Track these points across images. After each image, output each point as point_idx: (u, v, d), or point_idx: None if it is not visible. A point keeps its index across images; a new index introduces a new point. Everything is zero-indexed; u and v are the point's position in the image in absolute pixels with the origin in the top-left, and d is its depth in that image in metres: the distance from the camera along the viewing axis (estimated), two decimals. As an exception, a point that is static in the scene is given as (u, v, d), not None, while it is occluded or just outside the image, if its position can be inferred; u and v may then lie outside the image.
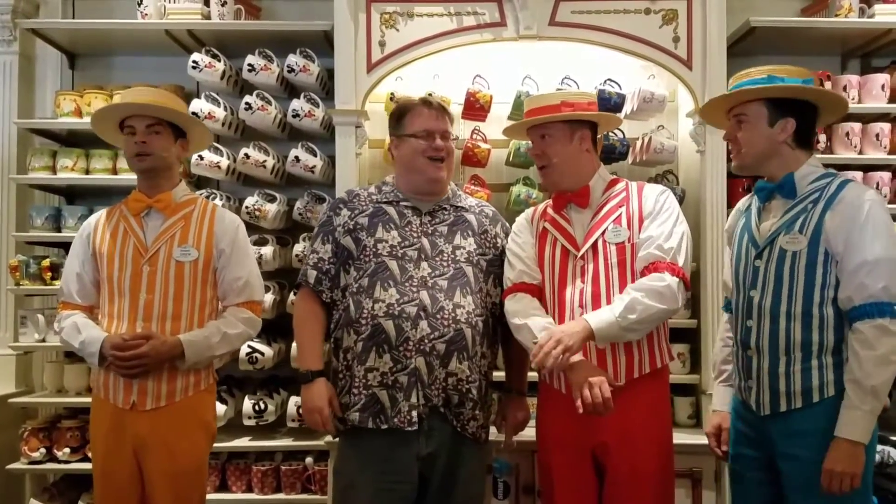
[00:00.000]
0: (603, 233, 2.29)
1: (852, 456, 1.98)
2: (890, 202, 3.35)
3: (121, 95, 2.56)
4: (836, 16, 3.38)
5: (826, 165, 3.22)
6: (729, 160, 3.23)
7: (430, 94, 3.00)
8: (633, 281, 2.25)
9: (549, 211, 2.42)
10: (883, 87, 3.35)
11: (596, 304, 2.23)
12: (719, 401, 2.41)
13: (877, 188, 3.30)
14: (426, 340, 2.24)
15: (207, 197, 3.23)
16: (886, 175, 3.33)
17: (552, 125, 2.34)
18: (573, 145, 2.34)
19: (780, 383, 2.11)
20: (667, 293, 2.17)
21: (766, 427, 2.17)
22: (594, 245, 2.28)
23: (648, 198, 2.32)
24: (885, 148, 3.34)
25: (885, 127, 3.33)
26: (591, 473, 2.28)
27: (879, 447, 3.14)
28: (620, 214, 2.31)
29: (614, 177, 2.43)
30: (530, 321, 2.24)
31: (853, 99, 3.34)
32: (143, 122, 2.44)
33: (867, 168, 3.35)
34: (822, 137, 3.33)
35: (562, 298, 2.30)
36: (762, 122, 2.17)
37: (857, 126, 3.33)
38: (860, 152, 3.34)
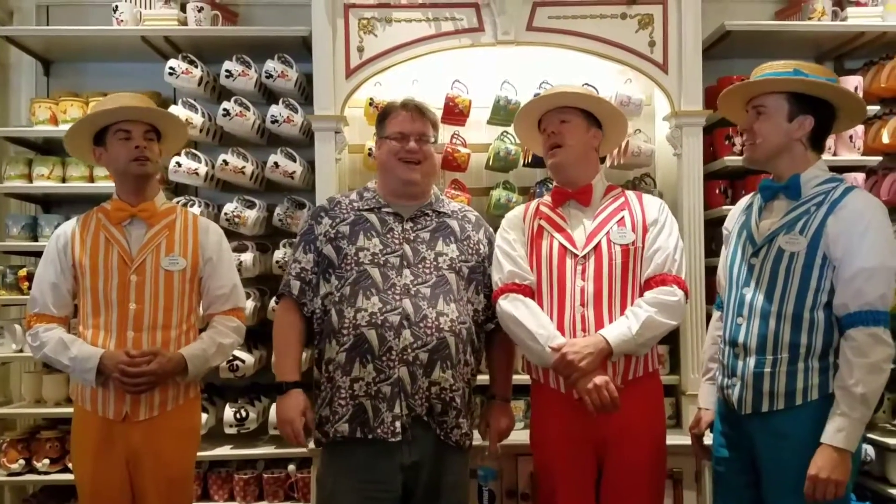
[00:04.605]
0: (607, 233, 2.33)
1: (839, 464, 1.96)
2: (864, 203, 3.40)
3: (105, 101, 2.51)
4: (810, 19, 3.42)
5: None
6: (708, 161, 3.30)
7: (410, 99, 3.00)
8: (633, 284, 2.31)
9: (544, 209, 2.44)
10: (856, 88, 3.38)
11: (597, 303, 2.28)
12: (705, 399, 2.43)
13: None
14: (409, 350, 2.23)
15: (185, 204, 3.22)
16: (860, 176, 3.37)
17: (572, 112, 2.38)
18: (588, 136, 2.39)
19: (765, 383, 2.11)
20: (677, 308, 2.26)
21: (746, 427, 2.18)
22: (597, 245, 2.32)
23: (651, 207, 2.38)
24: (858, 149, 3.38)
25: (859, 128, 3.37)
26: (593, 469, 2.33)
27: (856, 445, 3.18)
28: (623, 217, 2.35)
29: (611, 184, 2.49)
30: (527, 322, 2.27)
31: (826, 101, 3.38)
32: (142, 128, 2.43)
33: (841, 169, 3.38)
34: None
35: (561, 297, 2.32)
36: (781, 115, 2.15)
37: (831, 128, 3.36)
38: (834, 154, 3.38)
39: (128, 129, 2.41)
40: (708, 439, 2.42)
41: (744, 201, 2.39)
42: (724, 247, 2.40)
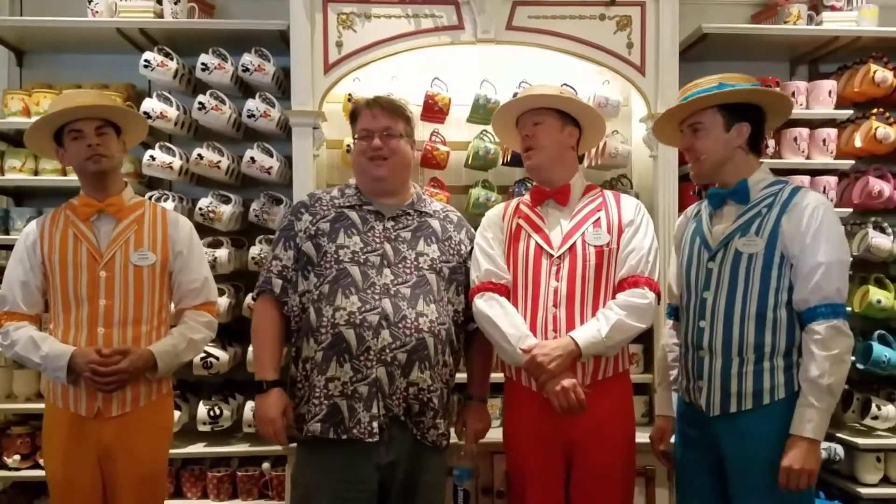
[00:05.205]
0: (583, 234, 2.34)
1: (810, 453, 2.03)
2: (836, 206, 3.45)
3: (55, 102, 2.48)
4: (786, 23, 3.46)
5: (775, 170, 3.31)
6: (683, 163, 3.32)
7: (387, 95, 2.99)
8: (607, 285, 2.32)
9: (523, 208, 2.45)
10: (830, 93, 3.43)
11: (570, 304, 2.29)
12: (664, 406, 2.48)
13: (823, 192, 3.39)
14: (387, 350, 2.22)
15: (159, 198, 3.18)
16: (833, 179, 3.42)
17: (546, 113, 2.38)
18: (563, 136, 2.39)
19: (732, 384, 2.16)
20: (647, 310, 2.28)
21: (713, 428, 2.21)
22: (573, 246, 2.33)
23: (627, 208, 2.39)
24: (831, 153, 3.42)
25: (832, 132, 3.42)
26: (562, 469, 2.34)
27: (826, 444, 3.24)
28: (599, 218, 2.36)
29: (590, 183, 2.50)
30: (500, 321, 2.28)
31: (801, 105, 3.42)
32: (92, 125, 2.40)
33: (814, 172, 3.43)
34: (772, 143, 3.41)
35: (535, 297, 2.33)
36: (718, 128, 2.21)
37: (804, 131, 3.40)
38: (808, 157, 3.42)
39: (79, 129, 2.39)
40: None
41: (689, 210, 2.45)
42: (674, 255, 2.45)
